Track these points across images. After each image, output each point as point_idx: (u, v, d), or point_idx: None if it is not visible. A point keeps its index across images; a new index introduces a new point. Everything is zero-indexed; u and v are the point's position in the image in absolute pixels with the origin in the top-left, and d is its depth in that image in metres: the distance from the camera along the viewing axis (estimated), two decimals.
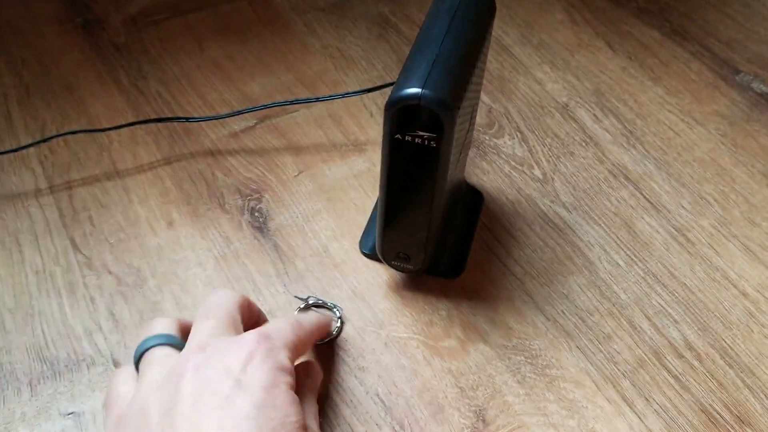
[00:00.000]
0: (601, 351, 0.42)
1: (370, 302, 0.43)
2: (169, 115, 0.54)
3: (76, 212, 0.48)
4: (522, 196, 0.50)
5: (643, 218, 0.49)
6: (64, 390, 0.39)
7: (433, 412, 0.39)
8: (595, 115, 0.56)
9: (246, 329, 0.35)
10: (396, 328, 0.42)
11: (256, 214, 0.48)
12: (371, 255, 0.46)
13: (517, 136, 0.54)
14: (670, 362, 0.41)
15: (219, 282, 0.44)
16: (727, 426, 0.38)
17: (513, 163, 0.52)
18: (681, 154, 0.53)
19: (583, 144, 0.54)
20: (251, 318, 0.38)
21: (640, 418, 0.39)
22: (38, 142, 0.51)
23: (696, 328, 0.43)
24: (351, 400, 0.39)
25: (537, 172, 0.52)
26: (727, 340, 0.42)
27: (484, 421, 0.38)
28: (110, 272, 0.44)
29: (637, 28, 0.65)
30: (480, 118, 0.56)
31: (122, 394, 0.33)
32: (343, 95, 0.53)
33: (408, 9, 0.66)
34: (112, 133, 0.53)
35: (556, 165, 0.52)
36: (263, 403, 0.30)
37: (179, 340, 0.35)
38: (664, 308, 0.44)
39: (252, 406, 0.30)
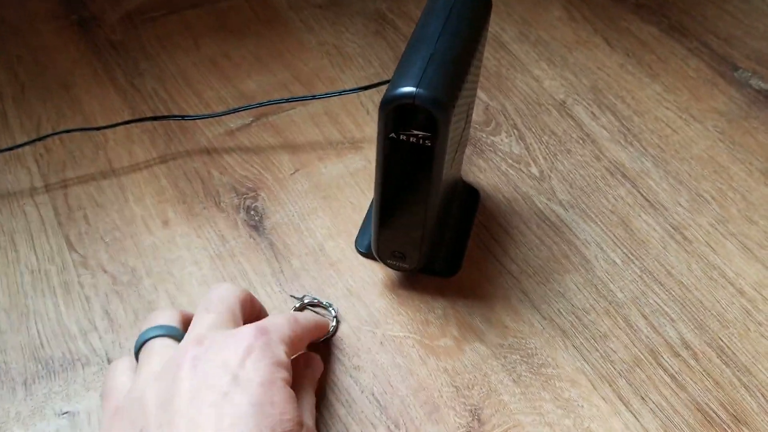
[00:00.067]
0: (597, 350, 0.41)
1: (365, 301, 0.43)
2: (165, 113, 0.54)
3: (71, 211, 0.48)
4: (519, 193, 0.50)
5: (640, 216, 0.49)
6: (58, 390, 0.39)
7: (429, 412, 0.38)
8: (592, 112, 0.56)
9: (246, 324, 0.35)
10: (391, 327, 0.42)
11: (252, 212, 0.48)
12: (367, 254, 0.46)
13: (514, 133, 0.54)
14: (666, 361, 0.41)
15: (214, 281, 0.44)
16: (724, 425, 0.38)
17: (510, 160, 0.52)
18: (678, 151, 0.53)
19: (581, 141, 0.54)
20: (253, 313, 0.38)
21: (636, 417, 0.39)
22: (33, 141, 0.51)
23: (692, 327, 0.43)
24: (346, 400, 0.39)
25: (534, 170, 0.52)
26: (723, 339, 0.42)
27: (479, 420, 0.38)
28: (105, 271, 0.44)
29: (635, 24, 0.64)
30: (477, 116, 0.55)
31: (120, 385, 0.33)
32: (340, 93, 0.53)
33: (405, 5, 0.65)
34: (107, 131, 0.52)
35: (553, 163, 0.52)
36: (260, 400, 0.30)
37: (180, 332, 0.35)
38: (660, 307, 0.44)
39: (249, 404, 0.30)
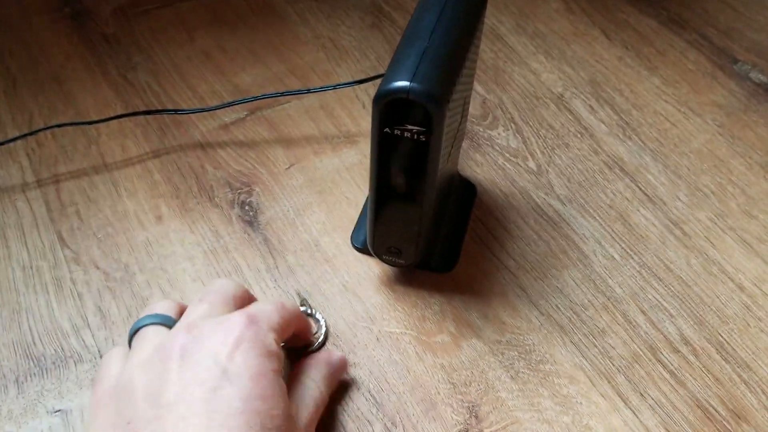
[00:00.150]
0: (595, 346, 0.41)
1: (361, 297, 0.43)
2: (159, 107, 0.54)
3: (63, 206, 0.47)
4: (516, 188, 0.49)
5: (638, 211, 0.48)
6: (51, 387, 0.38)
7: (426, 409, 0.38)
8: (590, 105, 0.56)
9: None
10: (388, 324, 0.42)
11: (247, 207, 0.48)
12: (363, 249, 0.45)
13: (511, 127, 0.54)
14: (665, 357, 0.41)
15: (208, 277, 0.44)
16: (723, 421, 0.38)
17: (507, 154, 0.52)
18: (677, 145, 0.53)
19: (579, 135, 0.53)
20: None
21: (635, 413, 0.38)
22: (25, 135, 0.50)
23: (692, 323, 0.42)
24: (342, 397, 0.38)
25: (531, 164, 0.51)
26: (723, 335, 0.42)
27: (476, 417, 0.38)
28: (98, 267, 0.44)
29: (634, 16, 0.64)
30: (473, 109, 0.55)
31: (111, 372, 0.33)
32: (335, 86, 0.52)
33: None
34: (100, 125, 0.52)
35: (550, 157, 0.52)
36: (250, 395, 0.30)
37: (175, 321, 0.35)
38: (659, 302, 0.43)
39: (240, 399, 0.30)
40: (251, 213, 0.47)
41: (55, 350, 0.40)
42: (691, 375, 0.40)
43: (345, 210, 0.48)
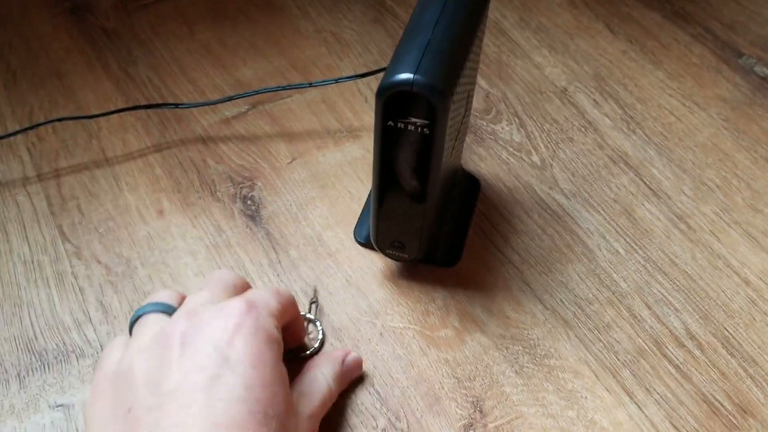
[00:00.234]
0: (600, 340, 0.41)
1: (365, 291, 0.43)
2: (160, 101, 0.53)
3: (64, 201, 0.47)
4: (520, 182, 0.49)
5: (643, 205, 0.48)
6: (53, 382, 0.38)
7: (430, 403, 0.38)
8: (594, 99, 0.55)
9: None
10: (391, 318, 0.41)
11: (249, 202, 0.47)
12: (366, 243, 0.45)
13: (515, 121, 0.53)
14: (671, 351, 0.40)
15: (210, 271, 0.43)
16: (729, 416, 0.38)
17: (511, 149, 0.51)
18: (682, 139, 0.52)
19: (583, 129, 0.53)
20: None
21: (640, 408, 0.38)
22: (26, 129, 0.50)
23: (697, 317, 0.42)
24: (346, 391, 0.38)
25: (535, 159, 0.51)
26: (729, 329, 0.41)
27: (481, 411, 0.38)
28: (99, 262, 0.44)
29: (638, 10, 0.63)
30: (477, 103, 0.55)
31: (111, 359, 0.33)
32: (337, 80, 0.52)
33: None
34: (101, 119, 0.51)
35: (554, 151, 0.51)
36: (252, 383, 0.30)
37: (175, 309, 0.35)
38: (664, 297, 0.43)
39: (242, 387, 0.29)
40: (253, 207, 0.47)
41: (56, 345, 0.40)
42: (696, 369, 0.40)
43: (348, 204, 0.47)
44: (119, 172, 0.49)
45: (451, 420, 0.37)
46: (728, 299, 0.43)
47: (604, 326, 0.41)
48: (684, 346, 0.41)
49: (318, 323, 0.41)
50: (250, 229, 0.46)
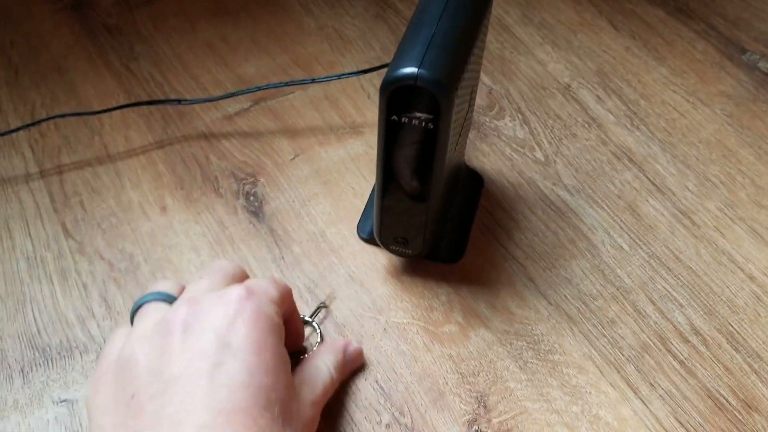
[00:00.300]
0: (604, 336, 0.41)
1: (368, 287, 0.42)
2: (162, 98, 0.53)
3: (67, 197, 0.47)
4: (523, 178, 0.49)
5: (647, 201, 0.48)
6: (56, 377, 0.38)
7: (434, 399, 0.38)
8: (598, 95, 0.55)
9: None
10: (395, 314, 0.41)
11: (251, 198, 0.47)
12: (369, 239, 0.45)
13: (518, 117, 0.53)
14: (675, 347, 0.40)
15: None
16: (734, 411, 0.38)
17: (514, 145, 0.51)
18: (686, 135, 0.52)
19: (586, 125, 0.53)
20: None
21: (644, 403, 0.38)
22: (28, 126, 0.50)
23: (702, 313, 0.42)
24: (350, 387, 0.38)
25: (539, 155, 0.51)
26: (733, 325, 0.41)
27: (485, 407, 0.37)
28: (102, 258, 0.43)
29: (641, 6, 0.63)
30: (480, 100, 0.54)
31: (114, 348, 0.33)
32: (340, 76, 0.52)
33: None
34: (103, 116, 0.51)
35: (558, 147, 0.51)
36: (254, 369, 0.30)
37: (176, 299, 0.35)
38: (669, 292, 0.43)
39: (244, 373, 0.30)
40: (256, 204, 0.47)
41: (60, 340, 0.40)
42: (701, 365, 0.40)
43: (351, 200, 0.47)
44: (122, 168, 0.49)
45: (455, 415, 0.37)
46: (733, 295, 0.43)
47: (608, 322, 0.41)
48: (688, 341, 0.41)
49: (317, 326, 0.40)
50: (253, 225, 0.46)
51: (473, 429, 0.37)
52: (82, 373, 0.38)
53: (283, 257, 0.44)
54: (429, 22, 0.35)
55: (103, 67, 0.56)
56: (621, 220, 0.47)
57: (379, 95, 0.34)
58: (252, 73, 0.56)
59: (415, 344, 0.40)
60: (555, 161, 0.50)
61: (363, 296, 0.42)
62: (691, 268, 0.44)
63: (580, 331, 0.41)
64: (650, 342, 0.40)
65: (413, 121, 0.34)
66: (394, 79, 0.33)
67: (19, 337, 0.40)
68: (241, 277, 0.36)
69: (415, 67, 0.33)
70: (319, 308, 0.41)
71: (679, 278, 0.43)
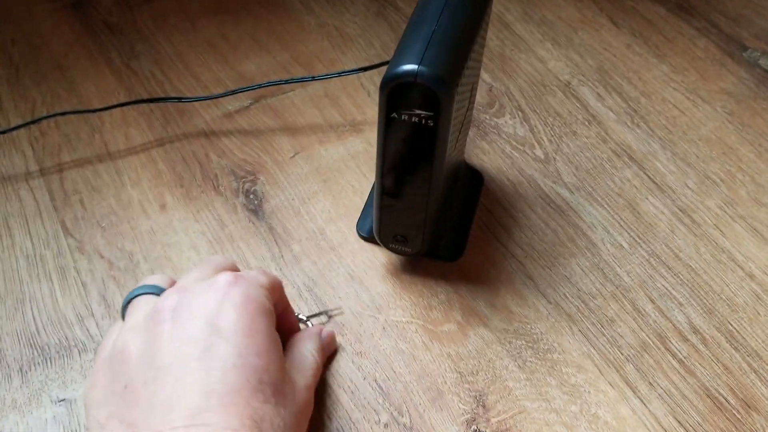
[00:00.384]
0: (603, 335, 0.41)
1: (367, 286, 0.42)
2: (162, 96, 0.53)
3: (67, 195, 0.47)
4: (523, 176, 0.49)
5: (647, 199, 0.48)
6: (55, 377, 0.38)
7: (433, 398, 0.38)
8: (598, 93, 0.55)
9: None
10: (394, 312, 0.41)
11: (251, 196, 0.47)
12: (369, 238, 0.45)
13: (518, 115, 0.53)
14: (674, 346, 0.40)
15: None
16: (733, 410, 0.38)
17: (514, 143, 0.51)
18: (686, 132, 0.52)
19: (586, 123, 0.53)
20: None
21: (643, 402, 0.38)
22: (28, 124, 0.50)
23: (701, 311, 0.42)
24: (348, 386, 0.38)
25: (539, 152, 0.51)
26: (733, 323, 0.41)
27: (484, 406, 0.37)
28: (102, 256, 0.44)
29: (642, 3, 0.63)
30: (480, 97, 0.54)
31: (109, 344, 0.33)
32: (340, 74, 0.52)
33: None
34: (103, 114, 0.51)
35: (558, 145, 0.51)
36: (246, 351, 0.30)
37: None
38: (668, 291, 0.43)
39: (236, 355, 0.30)
40: (256, 202, 0.47)
41: (59, 339, 0.40)
42: (700, 364, 0.39)
43: (350, 198, 0.47)
44: (122, 166, 0.49)
45: (454, 415, 0.37)
46: (732, 293, 0.43)
47: (607, 320, 0.41)
48: (688, 340, 0.40)
49: (311, 325, 0.40)
50: (253, 223, 0.46)
51: (472, 428, 0.37)
52: (80, 373, 0.38)
53: (282, 255, 0.44)
54: (429, 20, 0.35)
55: (104, 65, 0.56)
56: (621, 218, 0.46)
57: (379, 92, 0.34)
58: (252, 71, 0.56)
59: (414, 343, 0.40)
60: (555, 159, 0.50)
61: (362, 294, 0.42)
62: (690, 266, 0.44)
63: (579, 330, 0.41)
64: (649, 341, 0.40)
65: (413, 119, 0.34)
66: (394, 76, 0.33)
67: (18, 336, 0.40)
68: (232, 269, 0.37)
69: (416, 64, 0.33)
70: (320, 314, 0.41)
71: (678, 277, 0.43)
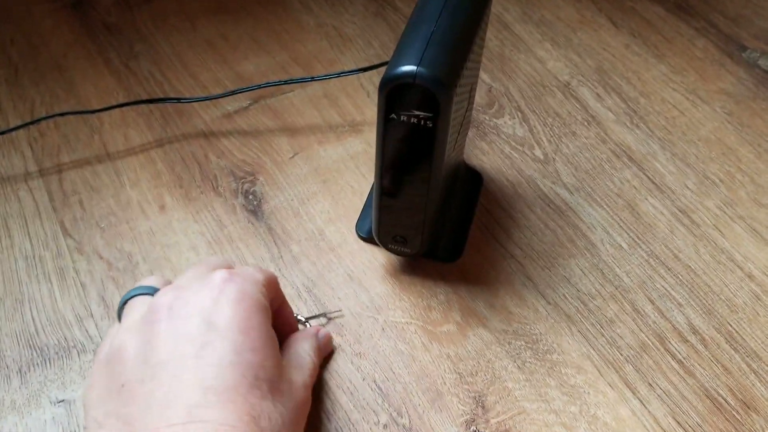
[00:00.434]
0: (603, 335, 0.41)
1: (366, 286, 0.42)
2: (161, 96, 0.53)
3: (66, 196, 0.47)
4: (522, 177, 0.49)
5: (646, 199, 0.48)
6: (54, 377, 0.38)
7: (432, 399, 0.38)
8: (597, 93, 0.55)
9: None
10: (393, 313, 0.41)
11: (250, 197, 0.47)
12: (368, 238, 0.45)
13: (517, 115, 0.53)
14: (674, 347, 0.40)
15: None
16: (732, 411, 0.38)
17: (513, 143, 0.51)
18: (686, 133, 0.52)
19: (586, 123, 0.53)
20: None
21: (643, 403, 0.38)
22: (27, 124, 0.50)
23: (701, 312, 0.42)
24: (348, 387, 0.38)
25: (538, 153, 0.51)
26: (732, 324, 0.41)
27: (483, 407, 0.37)
28: (101, 257, 0.43)
29: (641, 3, 0.63)
30: (479, 98, 0.54)
31: (107, 345, 0.33)
32: (339, 74, 0.52)
33: None
34: (102, 114, 0.51)
35: (557, 145, 0.51)
36: (242, 348, 0.30)
37: None
38: (668, 291, 0.43)
39: (232, 352, 0.30)
40: (255, 202, 0.47)
41: (58, 340, 0.40)
42: (699, 365, 0.39)
43: (350, 199, 0.47)
44: (121, 167, 0.48)
45: (453, 416, 0.37)
46: (732, 294, 0.43)
47: (606, 321, 0.41)
48: (687, 341, 0.40)
49: (310, 326, 0.40)
50: (252, 224, 0.46)
51: (471, 429, 0.37)
52: (79, 373, 0.38)
53: (281, 256, 0.44)
54: (428, 20, 0.35)
55: (103, 65, 0.56)
56: (620, 219, 0.46)
57: (378, 93, 0.34)
58: (251, 72, 0.55)
59: (413, 344, 0.40)
60: (554, 159, 0.50)
61: (361, 295, 0.42)
62: (690, 267, 0.44)
63: (579, 331, 0.41)
64: (649, 341, 0.40)
65: (412, 120, 0.34)
66: (393, 76, 0.33)
67: (17, 337, 0.40)
68: (227, 268, 0.37)
69: (414, 65, 0.33)
70: (320, 315, 0.41)
71: (678, 277, 0.43)
